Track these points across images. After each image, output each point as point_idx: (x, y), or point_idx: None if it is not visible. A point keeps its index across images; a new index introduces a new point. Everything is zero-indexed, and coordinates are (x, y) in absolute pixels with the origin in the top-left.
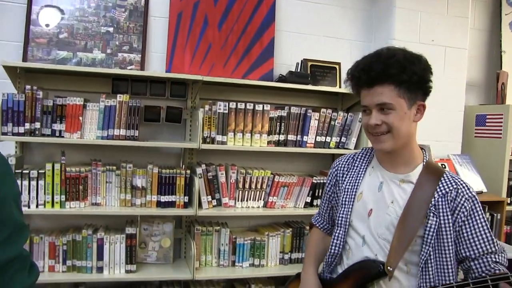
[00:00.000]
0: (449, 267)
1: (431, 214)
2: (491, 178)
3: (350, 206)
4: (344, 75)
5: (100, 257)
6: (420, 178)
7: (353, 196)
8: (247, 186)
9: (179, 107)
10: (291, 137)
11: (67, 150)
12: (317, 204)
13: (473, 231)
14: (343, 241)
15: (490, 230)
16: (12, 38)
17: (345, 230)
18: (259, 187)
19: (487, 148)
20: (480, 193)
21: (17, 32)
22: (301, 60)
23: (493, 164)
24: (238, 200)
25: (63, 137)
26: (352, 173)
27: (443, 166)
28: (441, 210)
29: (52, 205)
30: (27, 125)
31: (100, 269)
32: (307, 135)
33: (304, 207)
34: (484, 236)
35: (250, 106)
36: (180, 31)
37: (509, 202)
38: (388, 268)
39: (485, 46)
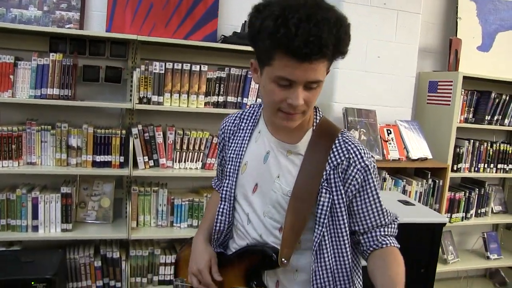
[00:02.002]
0: (346, 246)
1: (323, 190)
2: (439, 145)
3: (234, 179)
4: None
5: (35, 216)
6: (309, 148)
7: (237, 167)
8: (184, 147)
9: (119, 67)
10: (230, 98)
11: (1, 109)
12: None
13: (363, 205)
14: (229, 217)
15: (381, 202)
16: None
17: (230, 205)
18: (197, 149)
19: (437, 115)
20: (424, 159)
21: None
22: (245, 21)
23: (442, 131)
24: (176, 161)
25: None
26: (238, 137)
27: (388, 132)
28: (333, 185)
29: None
30: None
31: (35, 228)
32: (247, 97)
33: None
34: (374, 209)
35: (187, 67)
36: None
37: (455, 169)
38: (283, 260)
39: (442, 12)
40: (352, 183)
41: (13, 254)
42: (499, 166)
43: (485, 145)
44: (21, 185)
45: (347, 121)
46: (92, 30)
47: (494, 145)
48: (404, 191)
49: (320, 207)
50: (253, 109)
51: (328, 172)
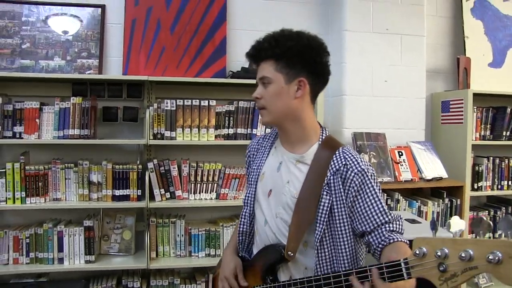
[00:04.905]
0: (345, 243)
1: (324, 193)
2: (456, 164)
3: (254, 186)
4: None
5: (60, 248)
6: (315, 158)
7: (257, 177)
8: (199, 179)
9: (135, 107)
10: (240, 130)
11: (32, 150)
12: None
13: (365, 205)
14: (250, 220)
15: (381, 201)
16: None
17: (251, 209)
18: (211, 180)
19: (452, 134)
20: (439, 179)
21: None
22: None
23: (457, 150)
24: (191, 193)
25: (22, 138)
26: (260, 154)
27: (400, 153)
28: (333, 188)
29: (13, 201)
30: None
31: (61, 260)
32: (257, 128)
33: None
34: (376, 208)
35: (196, 102)
36: (135, 36)
37: (476, 188)
38: (289, 253)
39: (449, 32)
40: (351, 185)
41: (40, 285)
42: None
43: (507, 161)
44: (48, 220)
45: (356, 145)
46: (110, 74)
47: None
48: (419, 212)
49: (321, 207)
50: (275, 130)
51: (329, 177)
